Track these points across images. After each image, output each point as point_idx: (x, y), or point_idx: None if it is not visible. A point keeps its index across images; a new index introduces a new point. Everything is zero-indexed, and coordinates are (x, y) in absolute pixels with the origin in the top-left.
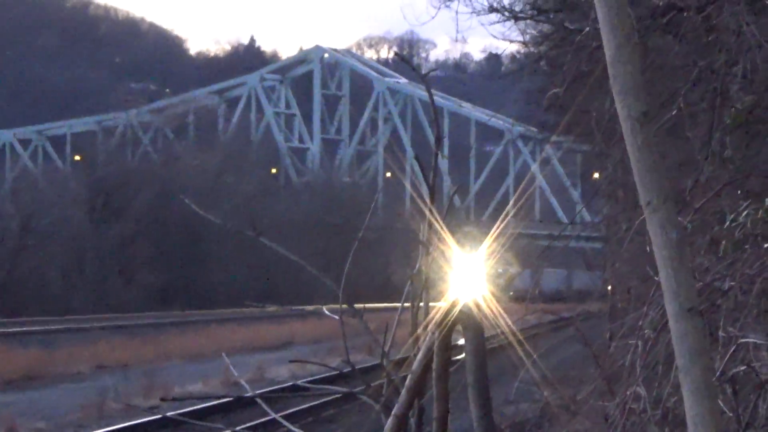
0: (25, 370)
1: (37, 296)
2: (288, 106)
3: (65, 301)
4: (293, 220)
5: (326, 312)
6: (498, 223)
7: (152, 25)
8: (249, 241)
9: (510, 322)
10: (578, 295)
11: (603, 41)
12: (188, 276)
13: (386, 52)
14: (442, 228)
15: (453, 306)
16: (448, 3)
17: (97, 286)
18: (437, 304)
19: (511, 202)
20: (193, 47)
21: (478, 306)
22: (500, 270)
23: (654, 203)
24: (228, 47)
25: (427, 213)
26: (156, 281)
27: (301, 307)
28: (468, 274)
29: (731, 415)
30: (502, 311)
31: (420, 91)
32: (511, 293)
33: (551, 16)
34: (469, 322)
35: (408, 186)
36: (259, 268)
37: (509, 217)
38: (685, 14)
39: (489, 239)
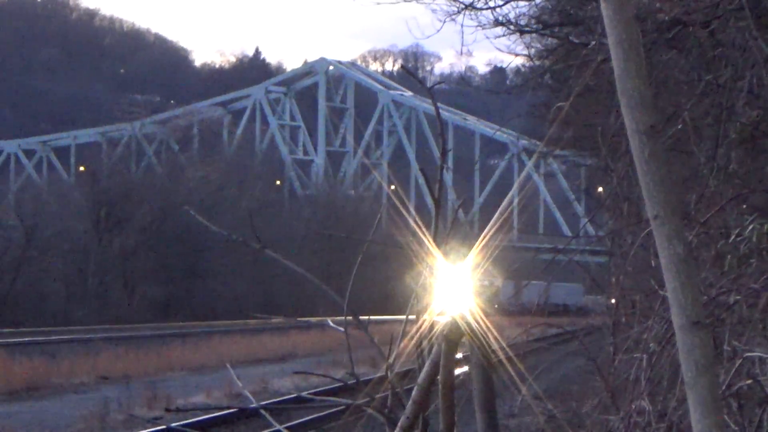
0: (28, 381)
1: (39, 308)
2: (292, 118)
3: (67, 312)
4: (296, 232)
5: (331, 324)
6: (483, 234)
7: (157, 37)
8: (250, 253)
9: (498, 336)
10: (555, 308)
11: (612, 56)
12: (190, 288)
13: (391, 65)
14: (428, 240)
15: (459, 319)
16: (453, 17)
17: (99, 298)
18: (442, 317)
19: (497, 213)
20: (198, 59)
21: (466, 321)
22: (486, 282)
23: (661, 216)
24: (233, 59)
25: (415, 228)
26: (158, 293)
27: (306, 319)
28: (457, 287)
29: (736, 429)
30: (490, 325)
31: (424, 104)
32: (496, 306)
33: (556, 31)
34: (475, 334)
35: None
36: (260, 281)
37: (494, 228)
38: (690, 29)
39: (475, 251)
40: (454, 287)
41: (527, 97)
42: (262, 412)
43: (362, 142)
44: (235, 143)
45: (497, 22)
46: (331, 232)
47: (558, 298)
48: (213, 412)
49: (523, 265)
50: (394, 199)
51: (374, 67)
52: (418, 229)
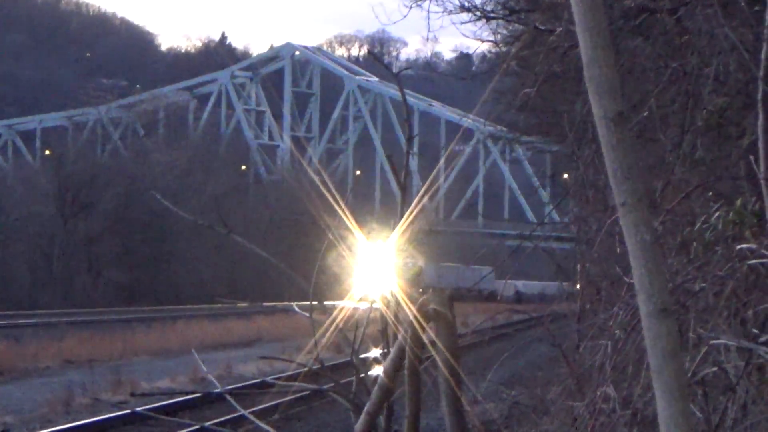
0: None
1: (4, 292)
2: (258, 103)
3: (32, 296)
4: (261, 218)
5: (297, 309)
6: (407, 214)
7: (123, 21)
8: (215, 239)
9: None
10: (468, 292)
11: (580, 43)
12: (155, 273)
13: (357, 50)
14: (348, 218)
15: (425, 304)
16: (419, 2)
17: (64, 283)
18: (406, 302)
19: (417, 197)
20: (164, 43)
21: (432, 307)
22: (409, 263)
23: (629, 204)
24: (199, 43)
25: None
26: (123, 278)
27: (272, 304)
28: (380, 268)
29: (701, 416)
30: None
31: (390, 90)
32: (420, 289)
33: (522, 17)
34: (441, 319)
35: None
36: (225, 266)
37: (418, 208)
38: (657, 16)
39: (398, 231)
40: (379, 268)
41: (493, 84)
42: (227, 396)
43: (328, 128)
44: (201, 128)
45: (463, 8)
46: (296, 218)
47: (471, 282)
48: (178, 397)
49: (429, 246)
50: (374, 184)
51: (340, 52)
52: (342, 213)
